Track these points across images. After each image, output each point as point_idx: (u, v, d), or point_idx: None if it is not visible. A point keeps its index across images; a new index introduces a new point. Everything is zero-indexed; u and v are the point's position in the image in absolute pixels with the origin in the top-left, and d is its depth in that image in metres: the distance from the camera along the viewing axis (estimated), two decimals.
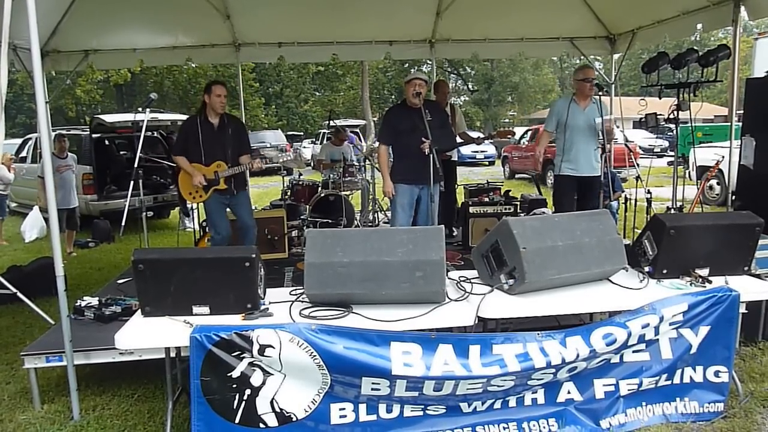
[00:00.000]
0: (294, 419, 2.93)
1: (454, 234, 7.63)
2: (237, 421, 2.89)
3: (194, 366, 2.82)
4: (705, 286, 3.35)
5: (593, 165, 5.63)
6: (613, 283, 3.46)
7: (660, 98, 6.16)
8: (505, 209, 6.96)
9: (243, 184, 5.63)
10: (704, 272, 3.45)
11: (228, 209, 5.63)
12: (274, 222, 6.95)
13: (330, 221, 7.36)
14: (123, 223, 5.57)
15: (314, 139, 28.58)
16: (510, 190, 7.90)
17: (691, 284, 3.40)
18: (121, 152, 11.46)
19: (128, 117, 10.03)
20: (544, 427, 3.13)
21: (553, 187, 6.04)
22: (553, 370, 3.03)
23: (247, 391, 2.88)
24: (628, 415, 3.22)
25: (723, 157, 6.98)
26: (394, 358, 2.87)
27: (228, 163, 5.38)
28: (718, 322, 3.27)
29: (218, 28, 7.82)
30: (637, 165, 7.85)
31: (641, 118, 6.59)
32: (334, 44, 8.41)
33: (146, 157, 8.68)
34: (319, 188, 8.00)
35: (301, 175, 8.80)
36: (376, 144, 5.88)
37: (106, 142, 11.08)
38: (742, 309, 3.70)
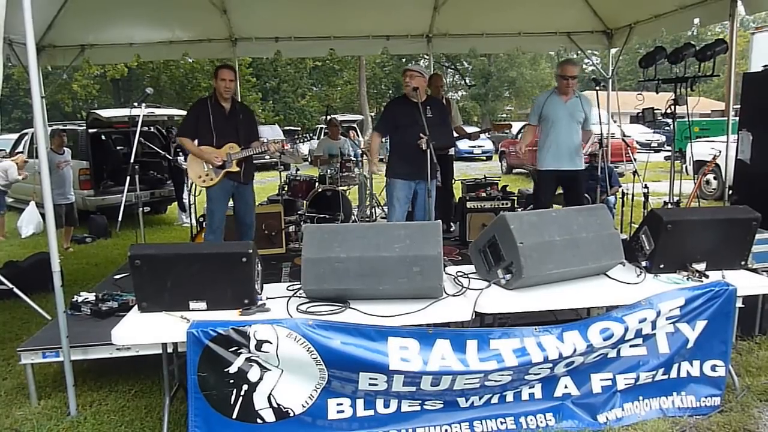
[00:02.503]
0: (291, 414, 2.93)
1: (451, 229, 7.64)
2: (234, 416, 2.89)
3: (191, 361, 2.82)
4: (702, 281, 3.36)
5: (575, 159, 5.59)
6: (610, 277, 3.46)
7: (657, 93, 6.14)
8: (503, 204, 6.98)
9: (251, 176, 5.55)
10: (701, 267, 3.45)
11: (230, 202, 5.51)
12: (271, 217, 6.95)
13: (327, 216, 7.36)
14: (120, 219, 5.55)
15: (310, 134, 28.45)
16: (507, 185, 7.90)
17: (688, 279, 3.40)
18: (118, 147, 11.43)
19: (125, 112, 10.02)
20: (541, 422, 3.14)
21: (534, 181, 6.02)
22: (551, 365, 3.04)
23: (245, 387, 2.88)
24: (625, 410, 3.23)
25: (720, 151, 6.99)
26: (391, 353, 2.87)
27: (240, 146, 5.31)
28: (715, 317, 3.27)
29: (215, 22, 7.80)
30: (634, 160, 7.84)
31: (638, 113, 6.58)
32: (331, 39, 8.39)
33: (144, 150, 8.67)
34: (317, 183, 8.00)
35: (298, 170, 8.79)
36: None
37: (103, 138, 11.05)
38: (739, 303, 3.70)
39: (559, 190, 5.90)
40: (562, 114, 5.53)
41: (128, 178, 5.61)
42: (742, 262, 3.59)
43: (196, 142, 5.33)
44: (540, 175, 5.77)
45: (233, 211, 5.61)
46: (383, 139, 5.72)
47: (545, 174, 5.67)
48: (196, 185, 5.77)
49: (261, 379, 2.89)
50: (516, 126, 19.99)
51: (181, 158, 9.93)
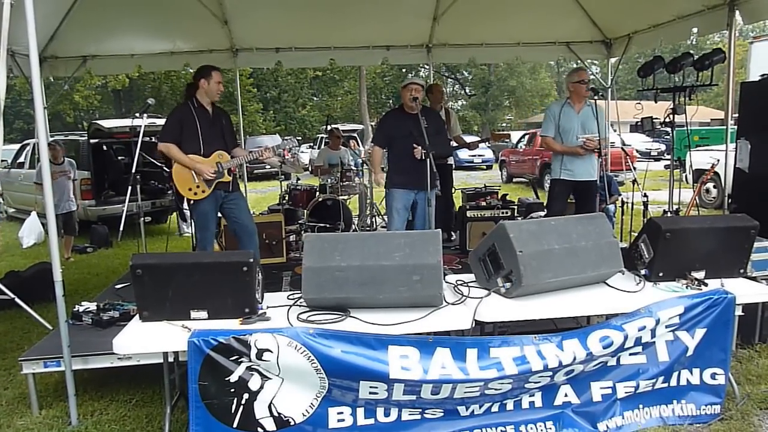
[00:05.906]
0: (292, 423, 2.93)
1: (451, 238, 7.65)
2: (235, 425, 2.89)
3: (192, 370, 2.83)
4: (701, 289, 3.37)
5: (589, 169, 5.61)
6: (609, 286, 3.47)
7: (656, 102, 6.17)
8: (503, 213, 6.99)
9: (237, 184, 5.22)
10: (700, 275, 3.47)
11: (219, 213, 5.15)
12: (272, 226, 6.98)
13: (328, 225, 7.38)
14: (121, 229, 5.56)
15: (312, 144, 28.60)
16: (507, 194, 7.92)
17: (687, 287, 3.41)
18: (119, 157, 11.47)
19: (126, 122, 10.06)
20: (541, 430, 3.14)
21: (548, 190, 6.06)
22: (551, 373, 3.05)
23: (245, 396, 2.89)
24: (625, 418, 3.23)
25: (718, 160, 7.02)
26: (391, 361, 2.87)
27: (226, 152, 4.99)
28: (714, 325, 3.28)
29: (216, 33, 7.85)
30: (634, 168, 7.86)
31: (637, 122, 6.62)
32: (331, 49, 8.45)
33: (145, 160, 8.70)
34: (317, 193, 8.02)
35: (299, 179, 8.82)
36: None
37: (104, 148, 11.09)
38: (739, 311, 3.72)
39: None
40: (575, 125, 5.57)
41: (129, 188, 5.62)
42: (741, 270, 3.60)
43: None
44: (553, 184, 5.81)
45: (230, 222, 5.26)
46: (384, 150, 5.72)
47: (559, 183, 5.69)
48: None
49: (262, 387, 2.90)
50: (516, 135, 20.04)
51: None
